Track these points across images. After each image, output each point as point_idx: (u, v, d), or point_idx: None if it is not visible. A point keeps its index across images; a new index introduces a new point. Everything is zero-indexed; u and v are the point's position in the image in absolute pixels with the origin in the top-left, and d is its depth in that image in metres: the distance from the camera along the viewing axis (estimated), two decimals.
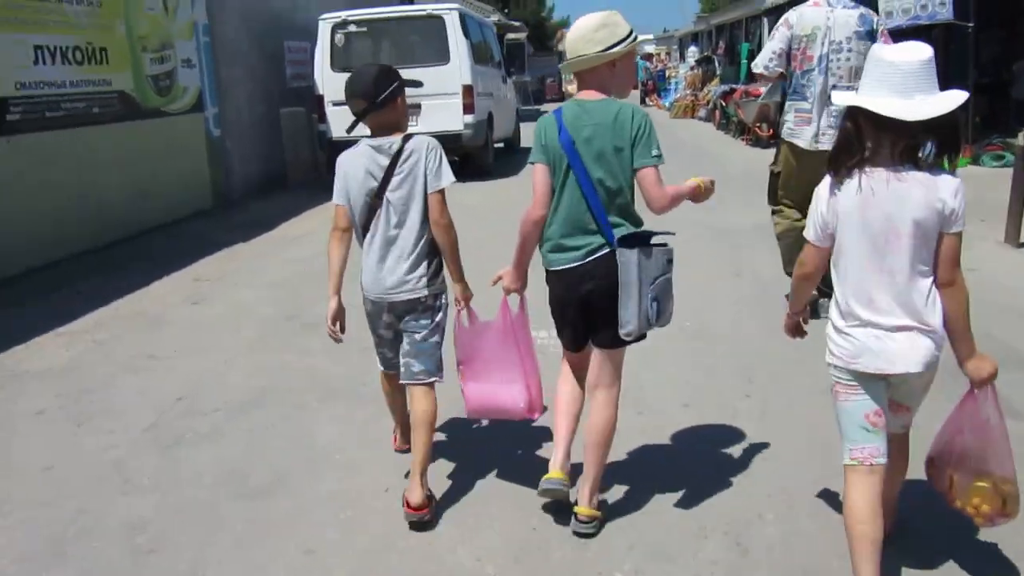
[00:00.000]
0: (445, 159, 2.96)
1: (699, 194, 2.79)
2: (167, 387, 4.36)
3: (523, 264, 2.88)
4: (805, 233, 2.37)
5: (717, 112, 17.78)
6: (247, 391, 4.27)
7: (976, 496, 2.30)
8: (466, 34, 11.21)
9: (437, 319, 3.02)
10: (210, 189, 10.18)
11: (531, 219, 2.75)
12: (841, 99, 2.29)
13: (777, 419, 3.67)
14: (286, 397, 4.18)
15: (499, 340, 2.97)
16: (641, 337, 2.73)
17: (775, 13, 16.79)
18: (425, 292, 2.95)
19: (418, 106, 11.14)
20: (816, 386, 3.35)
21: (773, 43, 4.88)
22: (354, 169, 2.96)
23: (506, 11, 37.23)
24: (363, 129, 3.04)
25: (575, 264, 2.69)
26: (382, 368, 3.21)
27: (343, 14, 11.18)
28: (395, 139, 2.92)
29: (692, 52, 27.50)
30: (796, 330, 2.64)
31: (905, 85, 2.11)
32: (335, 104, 11.21)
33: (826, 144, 4.62)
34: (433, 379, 3.02)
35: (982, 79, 15.72)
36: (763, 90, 15.59)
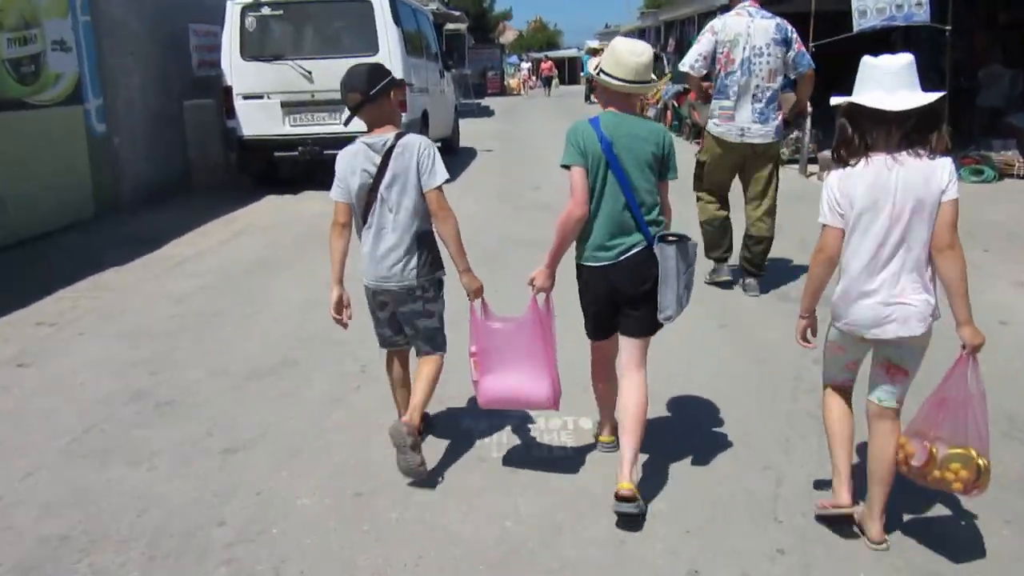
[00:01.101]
0: (439, 157, 3.10)
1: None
2: None
3: (557, 264, 3.02)
4: (821, 219, 2.60)
5: (669, 113, 16.75)
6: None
7: (956, 462, 2.47)
8: (397, 21, 9.85)
9: (429, 306, 3.22)
10: (92, 195, 8.61)
11: (574, 218, 2.91)
12: (837, 99, 2.57)
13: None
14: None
15: (527, 335, 3.03)
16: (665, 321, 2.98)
17: (727, 10, 15.86)
18: (415, 282, 3.14)
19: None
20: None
21: (700, 47, 5.37)
22: (351, 165, 3.11)
23: (447, 1, 35.80)
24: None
25: (612, 262, 2.93)
26: (382, 347, 3.39)
27: None
28: (388, 136, 3.07)
29: (710, 30, 26.45)
30: (807, 334, 2.77)
31: (890, 83, 2.45)
32: (246, 98, 9.78)
33: (750, 138, 5.25)
34: (438, 353, 3.29)
35: (943, 87, 15.15)
36: None
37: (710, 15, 17.96)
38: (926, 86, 2.50)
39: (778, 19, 5.27)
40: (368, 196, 3.09)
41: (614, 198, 2.90)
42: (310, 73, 9.65)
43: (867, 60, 2.56)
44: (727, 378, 4.12)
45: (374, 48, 9.66)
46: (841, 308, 2.62)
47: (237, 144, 9.89)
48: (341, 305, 3.19)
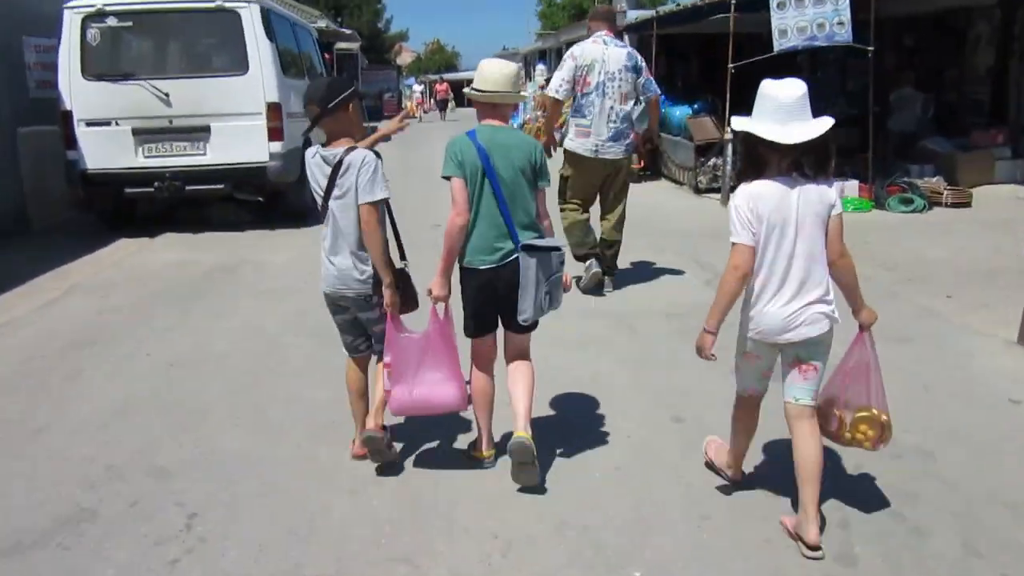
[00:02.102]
0: (379, 173, 3.16)
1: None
2: None
3: (450, 271, 3.19)
4: (734, 238, 2.72)
5: None
6: None
7: (863, 424, 2.81)
8: (271, 36, 8.54)
9: (387, 307, 3.26)
10: None
11: (457, 226, 3.11)
12: (737, 124, 2.75)
13: None
14: None
15: (431, 344, 3.19)
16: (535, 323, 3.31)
17: (636, 30, 15.18)
18: (369, 290, 3.24)
19: (206, 128, 8.38)
20: None
21: (563, 72, 5.79)
22: (311, 173, 3.24)
23: (339, 20, 34.41)
24: None
25: (494, 265, 3.15)
26: (347, 354, 3.46)
27: (99, 1, 8.21)
28: (339, 150, 3.14)
29: (540, 70, 25.71)
30: (710, 349, 2.81)
31: (783, 115, 2.63)
32: (89, 124, 8.27)
33: (604, 154, 5.72)
34: None
35: (850, 110, 14.85)
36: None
37: (618, 35, 17.37)
38: (832, 110, 2.82)
39: (630, 49, 5.98)
40: (322, 206, 3.22)
41: (492, 205, 3.11)
42: (167, 95, 8.24)
43: (764, 89, 2.71)
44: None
45: (243, 66, 8.34)
46: (752, 318, 2.79)
47: (79, 179, 8.34)
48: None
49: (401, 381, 3.19)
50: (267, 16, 8.52)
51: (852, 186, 10.09)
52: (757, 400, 2.98)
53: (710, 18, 12.29)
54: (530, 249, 3.10)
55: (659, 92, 6.09)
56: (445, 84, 34.89)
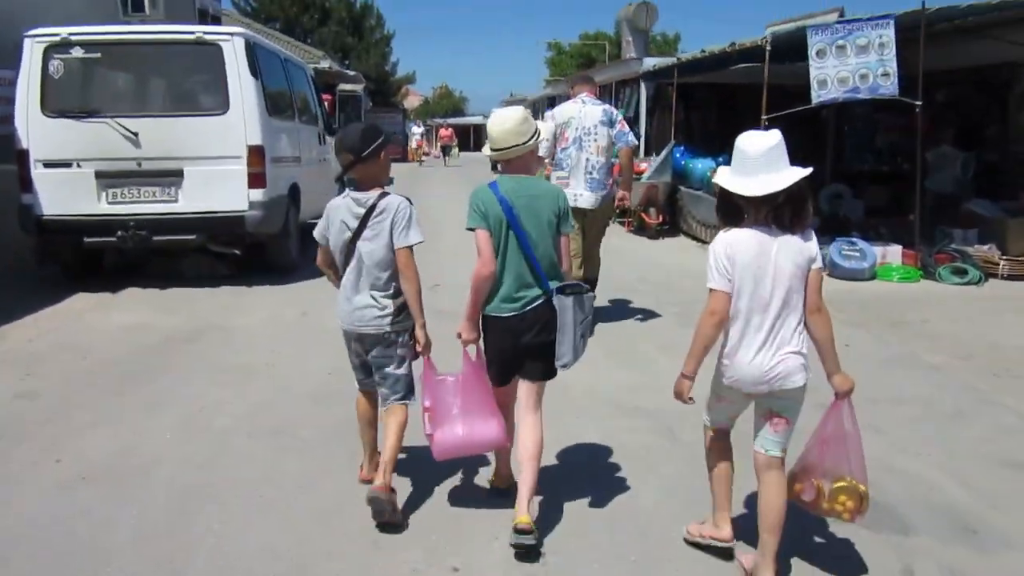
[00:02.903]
0: (415, 219, 3.31)
1: None
2: None
3: (477, 316, 3.22)
4: (710, 284, 2.76)
5: None
6: None
7: (842, 494, 2.77)
8: (256, 73, 7.66)
9: (400, 352, 3.38)
10: None
11: (484, 275, 3.13)
12: (715, 176, 2.85)
13: None
14: None
15: (467, 386, 3.24)
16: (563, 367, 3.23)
17: (652, 78, 14.40)
18: (389, 328, 3.33)
19: (178, 173, 7.47)
20: None
21: (545, 133, 5.58)
22: (336, 217, 3.34)
23: (346, 62, 33.96)
24: None
25: (517, 313, 3.15)
26: (358, 387, 3.55)
27: (64, 30, 7.37)
28: (372, 195, 3.29)
29: (549, 115, 25.04)
30: (687, 393, 2.83)
31: (750, 167, 2.66)
32: (48, 165, 7.38)
33: (581, 204, 6.02)
34: (405, 402, 3.42)
35: (880, 166, 13.98)
36: (647, 166, 13.05)
37: (629, 82, 16.62)
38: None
39: (606, 106, 6.39)
40: (348, 247, 3.31)
41: (517, 255, 3.14)
42: (136, 135, 7.36)
43: (736, 142, 2.75)
44: None
45: (223, 105, 7.46)
46: (728, 367, 2.79)
47: (34, 226, 7.41)
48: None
49: (443, 424, 3.23)
50: (252, 50, 7.66)
51: (895, 252, 9.15)
52: (725, 435, 2.99)
53: (734, 67, 11.55)
54: (565, 291, 3.14)
55: (634, 143, 6.49)
56: (450, 129, 34.32)
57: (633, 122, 15.08)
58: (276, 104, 8.34)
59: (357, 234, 3.25)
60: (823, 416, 2.79)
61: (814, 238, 2.73)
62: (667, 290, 7.92)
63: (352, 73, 21.81)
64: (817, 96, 8.53)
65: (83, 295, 7.37)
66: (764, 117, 8.91)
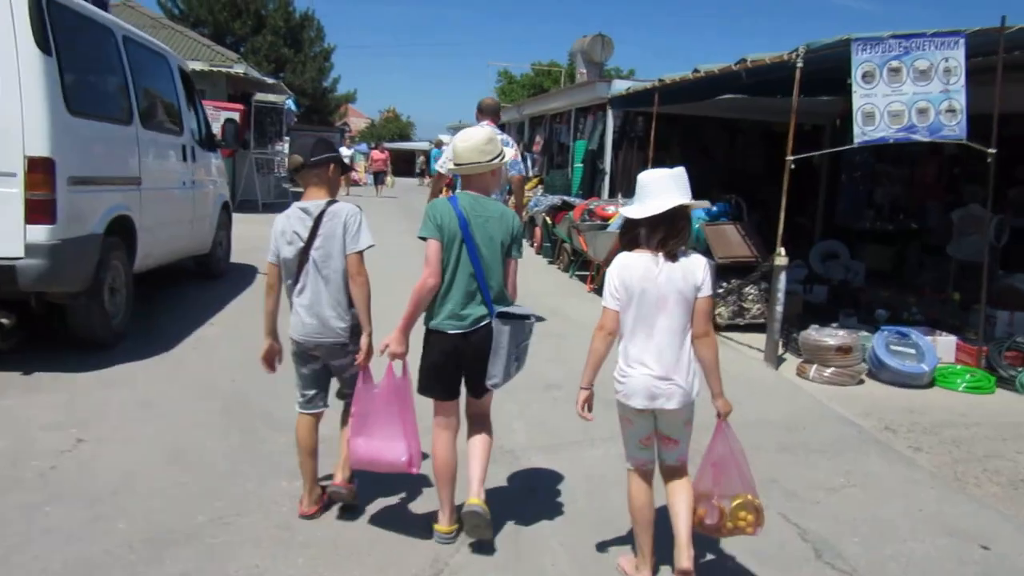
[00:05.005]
0: (365, 224, 3.37)
1: None
2: None
3: (409, 329, 3.22)
4: (603, 303, 2.94)
5: (538, 231, 12.59)
6: None
7: (741, 511, 2.91)
8: (46, 47, 4.96)
9: (353, 350, 3.41)
10: None
11: (428, 286, 3.16)
12: (622, 206, 4.15)
13: None
14: None
15: (385, 401, 3.24)
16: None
17: (622, 104, 12.11)
18: (346, 338, 3.38)
19: None
20: None
21: (448, 153, 6.05)
22: (285, 228, 3.37)
23: (280, 75, 31.13)
24: None
25: (462, 331, 3.19)
26: (300, 410, 3.52)
27: None
28: (321, 203, 3.36)
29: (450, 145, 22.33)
30: (582, 403, 2.98)
31: (643, 195, 2.91)
32: None
33: None
34: None
35: (884, 224, 11.90)
36: (613, 210, 10.65)
37: (592, 109, 14.30)
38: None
39: (504, 135, 6.85)
40: (300, 256, 3.34)
41: (467, 272, 3.18)
42: None
43: (639, 175, 2.99)
44: None
45: None
46: (618, 379, 2.93)
47: None
48: (272, 354, 3.49)
49: (360, 433, 3.26)
50: (43, 10, 4.97)
51: (947, 345, 6.86)
52: (646, 474, 3.03)
53: (731, 96, 9.35)
54: (505, 317, 3.18)
55: (523, 172, 6.92)
56: (385, 153, 28.91)
57: (596, 155, 12.75)
58: (91, 98, 5.66)
59: (309, 243, 3.30)
60: (710, 440, 2.95)
61: (704, 267, 2.89)
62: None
63: (271, 81, 18.97)
64: (862, 134, 6.26)
65: None
66: (789, 158, 6.59)
